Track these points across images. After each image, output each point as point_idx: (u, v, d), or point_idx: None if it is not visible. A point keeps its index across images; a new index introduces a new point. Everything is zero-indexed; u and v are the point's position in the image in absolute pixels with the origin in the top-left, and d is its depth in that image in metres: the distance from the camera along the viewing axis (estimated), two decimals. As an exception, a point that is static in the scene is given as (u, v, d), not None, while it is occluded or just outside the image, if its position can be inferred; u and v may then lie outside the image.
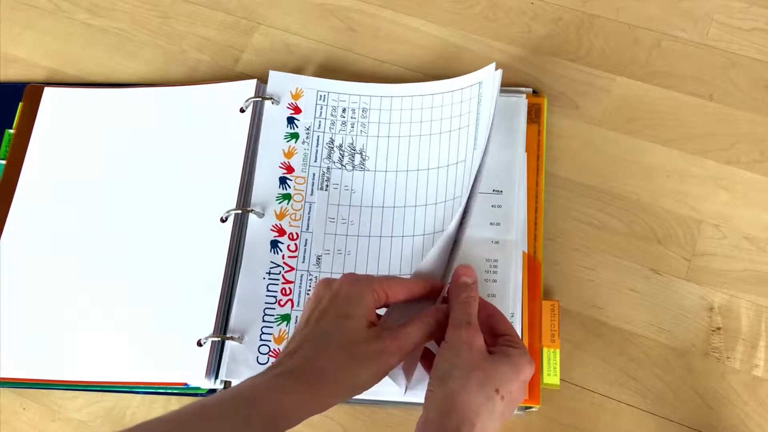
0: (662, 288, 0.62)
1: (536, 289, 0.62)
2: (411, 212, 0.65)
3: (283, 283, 0.63)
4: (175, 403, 0.62)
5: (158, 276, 0.65)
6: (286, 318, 0.62)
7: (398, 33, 0.75)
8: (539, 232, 0.64)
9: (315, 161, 0.68)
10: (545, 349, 0.59)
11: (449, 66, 0.72)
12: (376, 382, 0.50)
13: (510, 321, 0.59)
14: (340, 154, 0.68)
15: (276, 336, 0.61)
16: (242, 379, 0.49)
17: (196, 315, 0.62)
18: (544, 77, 0.71)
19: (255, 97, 0.70)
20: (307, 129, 0.69)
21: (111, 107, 0.72)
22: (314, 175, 0.67)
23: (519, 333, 0.59)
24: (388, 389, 0.55)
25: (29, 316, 0.64)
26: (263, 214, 0.65)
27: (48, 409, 0.63)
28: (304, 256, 0.64)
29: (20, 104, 0.73)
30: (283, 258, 0.64)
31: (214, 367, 0.61)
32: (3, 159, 0.71)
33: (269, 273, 0.64)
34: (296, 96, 0.70)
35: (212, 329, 0.62)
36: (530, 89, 0.70)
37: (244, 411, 0.46)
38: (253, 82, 0.70)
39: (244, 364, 0.60)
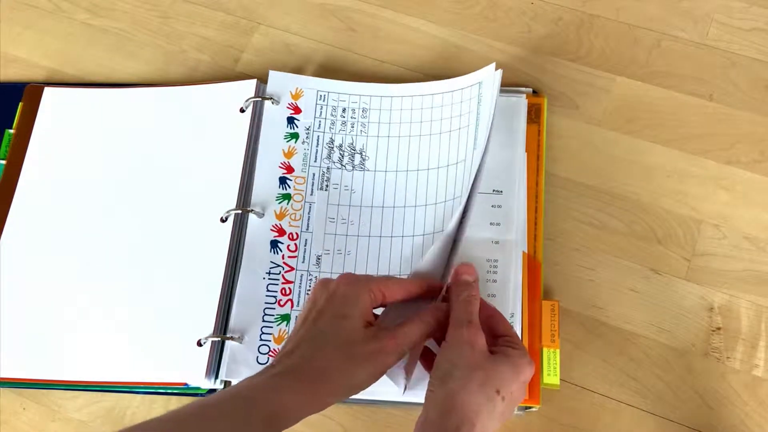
0: (662, 288, 0.62)
1: (536, 289, 0.62)
2: (411, 212, 0.65)
3: (283, 283, 0.63)
4: (175, 403, 0.62)
5: (158, 276, 0.65)
6: (285, 318, 0.62)
7: (398, 33, 0.75)
8: (539, 232, 0.64)
9: (315, 161, 0.68)
10: (545, 349, 0.59)
11: (449, 66, 0.72)
12: (374, 382, 0.50)
13: (510, 321, 0.59)
14: (340, 154, 0.68)
15: (276, 336, 0.61)
16: (242, 379, 0.49)
17: (196, 315, 0.62)
18: (544, 77, 0.71)
19: (255, 97, 0.70)
20: (307, 129, 0.69)
21: (111, 107, 0.72)
22: (314, 175, 0.67)
23: (519, 333, 0.59)
24: (387, 389, 0.55)
25: (29, 316, 0.64)
26: (263, 214, 0.65)
27: (48, 409, 0.63)
28: (304, 256, 0.64)
29: (20, 104, 0.73)
30: (283, 258, 0.64)
31: (214, 367, 0.61)
32: (3, 159, 0.71)
33: (269, 273, 0.64)
34: (296, 96, 0.70)
35: (212, 329, 0.62)
36: (530, 89, 0.70)
37: (242, 411, 0.46)
38: (253, 82, 0.70)
39: (244, 364, 0.60)
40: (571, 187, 0.66)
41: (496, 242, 0.63)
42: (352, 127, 0.69)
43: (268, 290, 0.63)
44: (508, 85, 0.69)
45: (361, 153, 0.68)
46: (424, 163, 0.67)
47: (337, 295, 0.51)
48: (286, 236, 0.65)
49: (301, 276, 0.63)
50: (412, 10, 0.76)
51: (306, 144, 0.68)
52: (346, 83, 0.70)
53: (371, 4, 0.77)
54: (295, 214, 0.66)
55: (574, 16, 0.74)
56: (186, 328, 0.62)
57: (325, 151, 0.68)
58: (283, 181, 0.67)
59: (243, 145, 0.68)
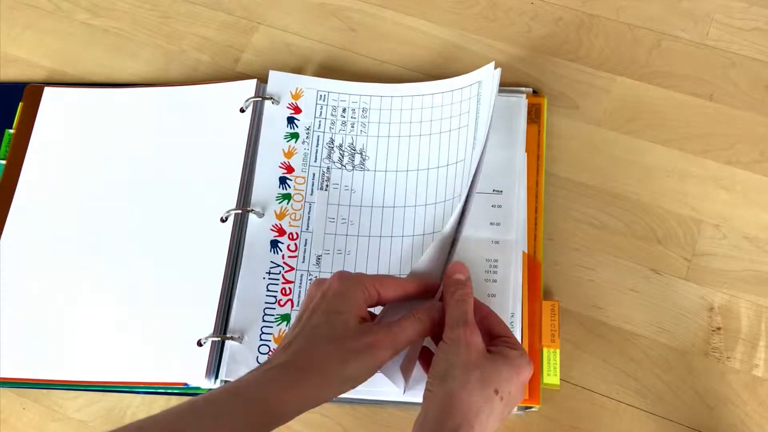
0: (662, 288, 0.62)
1: (536, 289, 0.62)
2: (411, 212, 0.65)
3: (283, 283, 0.63)
4: (175, 403, 0.61)
5: (158, 276, 0.65)
6: (286, 318, 0.62)
7: (398, 33, 0.75)
8: (539, 232, 0.64)
9: (315, 161, 0.68)
10: (545, 349, 0.59)
11: (449, 66, 0.72)
12: (368, 376, 0.50)
13: (510, 321, 0.59)
14: (340, 153, 0.68)
15: (276, 336, 0.61)
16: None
17: (196, 315, 0.62)
18: (544, 77, 0.71)
19: (255, 97, 0.70)
20: (307, 129, 0.69)
21: (111, 107, 0.72)
22: (314, 175, 0.67)
23: (519, 333, 0.59)
24: (387, 389, 0.55)
25: (29, 316, 0.64)
26: (263, 214, 0.65)
27: (48, 409, 0.63)
28: (304, 256, 0.64)
29: (20, 104, 0.73)
30: (283, 258, 0.64)
31: (214, 367, 0.61)
32: (3, 159, 0.71)
33: (269, 273, 0.64)
34: (296, 96, 0.70)
35: (212, 329, 0.62)
36: (530, 89, 0.70)
37: (235, 405, 0.47)
38: (253, 82, 0.70)
39: (244, 364, 0.60)
40: (571, 187, 0.66)
41: (496, 242, 0.63)
42: (352, 127, 0.69)
43: (268, 290, 0.63)
44: (508, 85, 0.69)
45: (361, 153, 0.68)
46: (424, 162, 0.67)
47: (330, 292, 0.51)
48: (286, 236, 0.65)
49: (301, 276, 0.63)
50: (412, 10, 0.76)
51: (306, 144, 0.68)
52: (346, 83, 0.70)
53: (371, 4, 0.77)
54: (295, 214, 0.66)
55: (574, 16, 0.74)
56: (186, 328, 0.62)
57: (325, 151, 0.68)
58: (283, 181, 0.67)
59: (243, 145, 0.68)
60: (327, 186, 0.67)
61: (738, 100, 0.68)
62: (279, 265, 0.64)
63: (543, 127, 0.67)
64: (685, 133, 0.67)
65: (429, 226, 0.64)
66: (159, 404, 0.63)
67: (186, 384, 0.61)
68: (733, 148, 0.67)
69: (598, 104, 0.69)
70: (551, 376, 0.59)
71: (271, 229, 0.65)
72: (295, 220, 0.65)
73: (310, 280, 0.63)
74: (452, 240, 0.58)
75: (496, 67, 0.65)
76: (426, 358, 0.55)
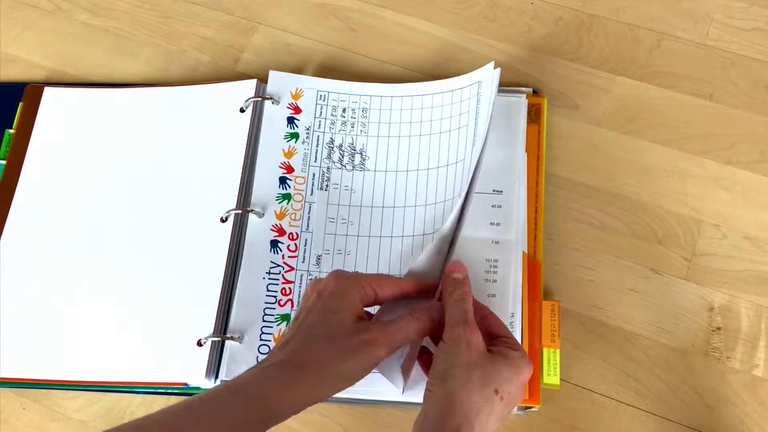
0: (662, 288, 0.62)
1: (536, 289, 0.62)
2: (411, 212, 0.65)
3: (283, 283, 0.63)
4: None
5: (158, 276, 0.64)
6: (285, 318, 0.62)
7: (398, 33, 0.75)
8: (539, 232, 0.64)
9: (315, 161, 0.68)
10: (545, 349, 0.59)
11: (449, 66, 0.72)
12: (365, 374, 0.50)
13: (510, 321, 0.59)
14: (340, 154, 0.68)
15: (276, 336, 0.61)
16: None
17: (196, 315, 0.62)
18: (544, 77, 0.71)
19: (255, 97, 0.70)
20: (307, 129, 0.69)
21: (111, 107, 0.72)
22: (314, 175, 0.67)
23: (519, 333, 0.59)
24: (387, 389, 0.55)
25: (29, 316, 0.64)
26: (263, 214, 0.65)
27: (48, 409, 0.63)
28: (304, 256, 0.64)
29: (20, 104, 0.73)
30: (283, 258, 0.64)
31: (214, 367, 0.61)
32: (3, 159, 0.71)
33: (269, 273, 0.64)
34: (296, 96, 0.70)
35: (212, 329, 0.62)
36: (530, 89, 0.70)
37: (233, 403, 0.47)
38: (253, 82, 0.70)
39: (244, 364, 0.60)
40: (571, 187, 0.66)
41: (496, 242, 0.63)
42: (352, 126, 0.69)
43: (268, 290, 0.63)
44: (508, 85, 0.69)
45: (361, 153, 0.68)
46: (424, 162, 0.67)
47: (326, 292, 0.51)
48: (286, 236, 0.65)
49: (301, 276, 0.63)
50: (412, 10, 0.76)
51: (306, 144, 0.68)
52: (346, 83, 0.70)
53: (371, 4, 0.77)
54: (295, 214, 0.66)
55: (574, 16, 0.74)
56: (186, 328, 0.62)
57: (325, 151, 0.68)
58: (283, 181, 0.67)
59: (243, 145, 0.68)
60: (327, 186, 0.67)
61: (738, 100, 0.68)
62: (279, 265, 0.64)
63: (543, 127, 0.67)
64: (685, 133, 0.67)
65: (429, 226, 0.64)
66: (159, 404, 0.63)
67: (186, 384, 0.61)
68: (733, 148, 0.67)
69: (598, 104, 0.69)
70: (551, 376, 0.59)
71: (271, 229, 0.65)
72: (295, 220, 0.65)
73: (309, 280, 0.63)
74: (451, 239, 0.58)
75: (495, 67, 0.65)
76: (426, 358, 0.55)
